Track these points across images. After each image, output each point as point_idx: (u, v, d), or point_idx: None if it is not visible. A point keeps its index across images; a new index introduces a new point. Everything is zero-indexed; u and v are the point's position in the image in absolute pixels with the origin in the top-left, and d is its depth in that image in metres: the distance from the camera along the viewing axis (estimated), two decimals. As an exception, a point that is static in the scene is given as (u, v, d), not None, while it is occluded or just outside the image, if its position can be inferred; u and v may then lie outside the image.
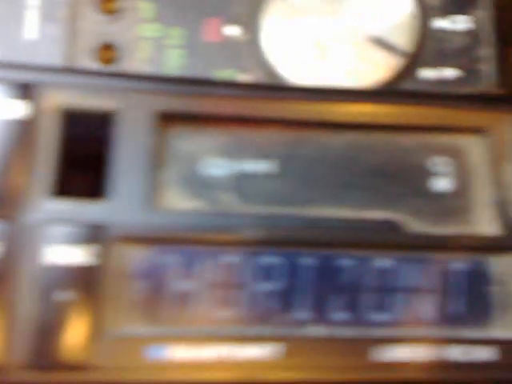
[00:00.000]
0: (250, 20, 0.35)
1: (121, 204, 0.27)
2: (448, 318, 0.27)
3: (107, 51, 0.35)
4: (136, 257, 0.27)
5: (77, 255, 0.26)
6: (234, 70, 0.34)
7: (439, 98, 0.31)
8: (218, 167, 0.28)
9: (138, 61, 0.35)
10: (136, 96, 0.28)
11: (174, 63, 0.35)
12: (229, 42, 0.35)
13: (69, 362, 0.25)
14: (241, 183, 0.28)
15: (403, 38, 0.34)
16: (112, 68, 0.35)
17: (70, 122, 0.28)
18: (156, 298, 0.26)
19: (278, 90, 0.30)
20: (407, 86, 0.34)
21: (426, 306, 0.27)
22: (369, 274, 0.27)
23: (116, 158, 0.27)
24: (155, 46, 0.35)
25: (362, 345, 0.27)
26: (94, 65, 0.35)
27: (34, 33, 0.35)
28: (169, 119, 0.28)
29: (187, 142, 0.29)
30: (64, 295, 0.25)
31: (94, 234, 0.26)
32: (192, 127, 0.29)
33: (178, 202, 0.28)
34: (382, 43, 0.34)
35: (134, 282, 0.26)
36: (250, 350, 0.26)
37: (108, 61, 0.35)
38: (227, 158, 0.29)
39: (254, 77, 0.34)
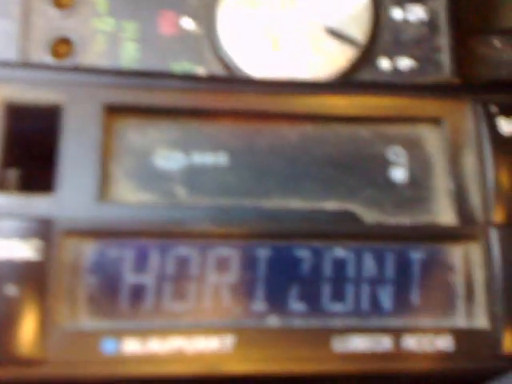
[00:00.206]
0: (205, 12, 0.34)
1: (68, 197, 0.26)
2: (407, 308, 0.27)
3: (62, 45, 0.35)
4: (85, 251, 0.26)
5: (23, 250, 0.25)
6: (190, 62, 0.34)
7: (395, 88, 0.30)
8: (170, 160, 0.28)
9: (93, 55, 0.34)
10: (84, 89, 0.27)
11: (129, 57, 0.34)
12: (185, 35, 0.34)
13: (22, 356, 0.25)
14: (194, 176, 0.28)
15: (358, 29, 0.33)
16: (67, 62, 0.34)
17: (15, 116, 0.27)
18: (109, 292, 0.26)
19: (233, 82, 0.30)
20: (363, 76, 0.33)
21: (385, 296, 0.27)
22: (326, 264, 0.27)
23: (64, 151, 0.27)
24: (110, 40, 0.35)
25: (320, 335, 0.26)
26: (48, 59, 0.34)
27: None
28: (118, 112, 0.28)
29: (139, 135, 0.28)
30: (12, 290, 0.25)
31: (40, 229, 0.26)
32: (143, 120, 0.28)
33: (129, 195, 0.27)
34: (337, 34, 0.33)
35: (86, 277, 0.26)
36: (205, 342, 0.26)
37: (63, 55, 0.35)
38: (180, 150, 0.28)
39: (211, 69, 0.34)
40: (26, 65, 0.32)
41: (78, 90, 0.27)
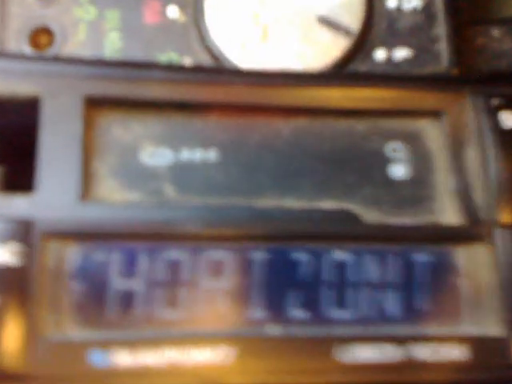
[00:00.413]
0: (192, 0, 0.32)
1: (49, 197, 0.25)
2: (414, 315, 0.26)
3: (42, 35, 0.33)
4: (69, 255, 0.24)
5: (1, 254, 0.23)
6: (176, 52, 0.32)
7: (392, 79, 0.29)
8: (157, 156, 0.26)
9: (74, 45, 0.33)
10: (63, 80, 0.26)
11: (112, 47, 0.32)
12: (170, 24, 0.33)
13: (3, 371, 0.23)
14: (182, 173, 0.26)
15: (352, 18, 0.32)
16: (48, 53, 0.32)
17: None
18: (96, 299, 0.24)
19: (221, 73, 0.28)
20: (358, 67, 0.32)
21: (390, 302, 0.26)
22: (326, 268, 0.25)
23: (43, 147, 0.25)
24: (92, 29, 0.33)
25: (322, 345, 0.25)
26: (27, 50, 0.32)
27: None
28: (100, 105, 0.26)
29: (123, 130, 0.26)
30: (-10, 299, 0.23)
31: (19, 231, 0.24)
32: (127, 114, 0.27)
33: (114, 194, 0.26)
34: (329, 23, 0.32)
35: (70, 283, 0.24)
36: (199, 353, 0.24)
37: (43, 46, 0.33)
38: (167, 146, 0.27)
39: (198, 60, 0.32)
40: (1, 55, 0.30)
41: (57, 81, 0.26)
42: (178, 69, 0.28)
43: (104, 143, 0.26)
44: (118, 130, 0.26)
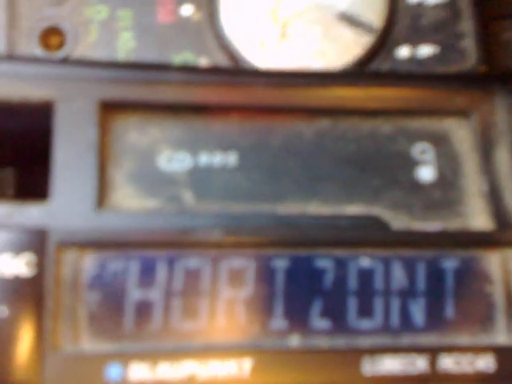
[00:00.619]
0: (207, -2, 0.32)
1: (64, 205, 0.24)
2: (443, 324, 0.25)
3: (53, 36, 0.32)
4: (85, 265, 0.24)
5: (14, 265, 0.23)
6: (191, 53, 0.31)
7: (417, 78, 0.28)
8: (175, 161, 0.25)
9: (86, 46, 0.32)
10: (77, 84, 0.25)
11: (125, 47, 0.31)
12: (185, 23, 0.32)
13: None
14: (201, 178, 0.25)
15: (374, 14, 0.31)
16: (59, 54, 0.31)
17: (1, 114, 0.24)
18: (112, 310, 0.23)
19: (240, 74, 0.27)
20: (380, 66, 0.31)
21: (418, 311, 0.25)
22: (351, 276, 0.24)
23: (57, 154, 0.24)
24: (104, 30, 0.32)
25: (347, 356, 0.24)
26: (37, 51, 0.31)
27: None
28: (115, 109, 0.25)
29: (139, 134, 0.26)
30: (3, 311, 0.22)
31: (33, 241, 0.23)
32: (144, 117, 0.26)
33: (131, 201, 0.25)
34: (350, 20, 0.31)
35: (86, 294, 0.23)
36: (220, 366, 0.23)
37: (54, 47, 0.32)
38: (185, 150, 0.26)
39: (214, 60, 0.31)
40: (13, 58, 0.29)
41: (71, 85, 0.25)
42: (195, 70, 0.27)
43: (120, 149, 0.25)
44: (134, 134, 0.25)
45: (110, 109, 0.25)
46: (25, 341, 0.22)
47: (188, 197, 0.25)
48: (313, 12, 0.31)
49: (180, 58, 0.31)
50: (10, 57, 0.30)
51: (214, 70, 0.28)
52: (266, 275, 0.24)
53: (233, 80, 0.26)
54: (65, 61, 0.28)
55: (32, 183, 0.25)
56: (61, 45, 0.32)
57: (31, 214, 0.23)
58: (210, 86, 0.26)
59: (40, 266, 0.23)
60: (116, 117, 0.25)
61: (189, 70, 0.27)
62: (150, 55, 0.31)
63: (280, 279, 0.24)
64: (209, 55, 0.31)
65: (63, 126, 0.24)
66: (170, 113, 0.26)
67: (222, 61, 0.31)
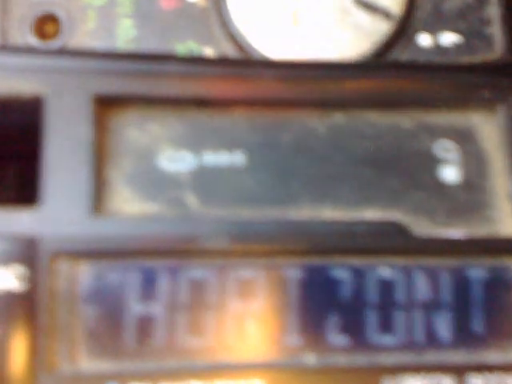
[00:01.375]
0: (212, -18, 0.29)
1: (57, 211, 0.22)
2: (470, 339, 0.23)
3: (48, 24, 0.30)
4: (80, 276, 0.22)
5: (4, 279, 0.21)
6: (195, 41, 0.29)
7: (439, 68, 0.26)
8: (177, 161, 0.23)
9: (83, 34, 0.30)
10: (70, 77, 0.23)
11: (124, 35, 0.29)
12: (189, 9, 0.30)
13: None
14: (205, 180, 0.23)
15: (393, -1, 0.29)
16: (54, 43, 0.30)
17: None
18: (111, 325, 0.22)
19: (248, 65, 0.25)
20: (399, 55, 0.29)
21: (443, 325, 0.23)
22: (370, 287, 0.23)
23: (49, 154, 0.22)
24: (102, 16, 0.30)
25: (367, 375, 0.22)
26: (32, 40, 0.30)
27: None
28: (112, 104, 0.23)
29: (138, 132, 0.24)
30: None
31: (23, 251, 0.21)
32: (143, 113, 0.24)
33: (129, 205, 0.23)
34: (367, 5, 0.29)
35: (82, 308, 0.22)
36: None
37: (49, 35, 0.30)
38: (188, 149, 0.24)
39: (220, 50, 0.29)
40: (3, 48, 0.27)
41: (63, 77, 0.23)
42: (200, 61, 0.25)
43: (117, 147, 0.23)
44: (133, 131, 0.23)
45: (106, 104, 0.23)
46: (17, 361, 0.21)
47: (192, 200, 0.23)
48: (326, -3, 0.29)
49: (183, 47, 0.29)
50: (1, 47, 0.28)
51: (220, 61, 0.25)
52: (277, 287, 0.22)
53: (240, 72, 0.24)
54: (57, 51, 0.26)
55: (20, 190, 0.23)
56: (56, 33, 0.30)
57: (21, 220, 0.21)
58: (216, 79, 0.24)
59: (32, 278, 0.21)
60: (113, 113, 0.23)
61: (193, 60, 0.25)
62: (152, 44, 0.29)
63: (293, 291, 0.22)
64: (214, 44, 0.29)
65: (55, 123, 0.22)
66: (171, 108, 0.24)
67: (229, 51, 0.29)
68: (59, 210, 0.22)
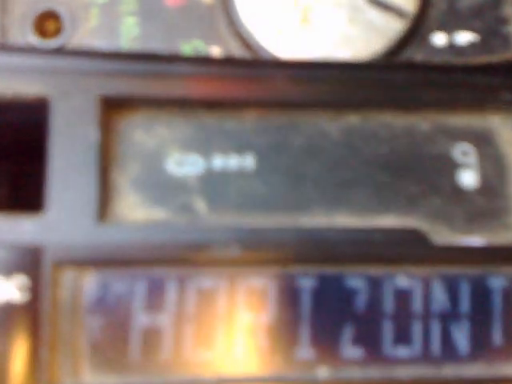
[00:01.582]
0: (219, -21, 0.28)
1: (61, 218, 0.21)
2: (490, 352, 0.22)
3: (49, 22, 0.29)
4: (85, 286, 0.21)
5: (5, 290, 0.20)
6: (202, 40, 0.28)
7: (455, 69, 0.25)
8: (185, 165, 0.23)
9: (86, 32, 0.29)
10: (75, 78, 0.22)
11: (129, 34, 0.29)
12: (195, 7, 0.29)
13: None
14: (214, 184, 0.22)
15: (407, -4, 0.28)
16: (55, 42, 0.29)
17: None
18: (117, 337, 0.21)
19: (257, 65, 0.24)
20: (413, 54, 0.28)
21: (463, 337, 0.22)
22: (387, 297, 0.22)
23: (53, 158, 0.21)
24: (105, 14, 0.29)
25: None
26: (32, 39, 0.29)
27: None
28: (118, 106, 0.22)
29: (146, 135, 0.23)
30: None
31: (25, 260, 0.20)
32: (150, 115, 0.23)
33: (136, 211, 0.22)
34: (380, 3, 0.28)
35: (87, 319, 0.21)
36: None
37: (51, 33, 0.29)
38: (197, 152, 0.23)
39: (228, 49, 0.28)
40: (4, 48, 0.26)
41: (68, 78, 0.22)
42: (208, 61, 0.24)
43: (124, 151, 0.22)
44: (141, 134, 0.23)
45: (112, 106, 0.22)
46: (18, 374, 0.20)
47: (200, 206, 0.22)
48: (337, -6, 0.28)
49: (189, 46, 0.28)
50: (1, 47, 0.27)
51: (229, 61, 0.25)
52: (289, 297, 0.22)
53: (250, 72, 0.23)
54: (60, 50, 0.25)
55: (23, 196, 0.22)
56: (57, 31, 0.29)
57: (23, 228, 0.21)
58: (224, 80, 0.23)
59: (34, 289, 0.20)
60: (120, 115, 0.22)
61: (201, 60, 0.24)
62: (156, 43, 0.28)
63: (306, 301, 0.22)
64: (221, 44, 0.28)
65: (60, 125, 0.22)
66: (179, 110, 0.23)
67: (237, 50, 0.28)
68: (64, 217, 0.21)
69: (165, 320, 0.21)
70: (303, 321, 0.21)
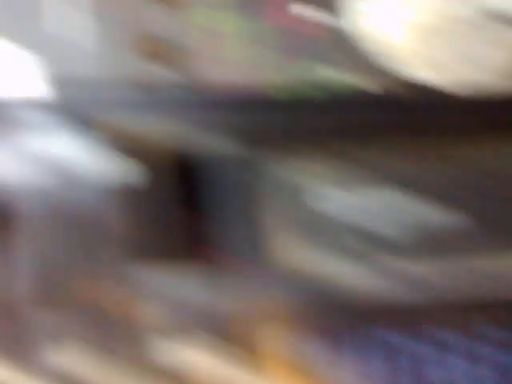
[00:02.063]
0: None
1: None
2: None
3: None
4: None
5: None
6: (336, 69, 0.27)
7: None
8: (332, 200, 0.21)
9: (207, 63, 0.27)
10: (212, 115, 0.21)
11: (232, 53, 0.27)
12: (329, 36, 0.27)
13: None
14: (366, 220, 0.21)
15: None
16: (178, 72, 0.27)
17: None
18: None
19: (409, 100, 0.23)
20: None
21: None
22: None
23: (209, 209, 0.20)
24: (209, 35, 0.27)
25: None
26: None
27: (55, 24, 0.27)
28: (263, 143, 0.21)
29: (288, 171, 0.22)
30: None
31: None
32: (295, 153, 0.21)
33: (295, 253, 0.21)
34: (503, 18, 0.26)
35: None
36: None
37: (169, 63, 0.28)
38: (344, 187, 0.22)
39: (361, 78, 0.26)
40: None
41: (205, 115, 0.21)
42: (357, 95, 0.23)
43: (272, 191, 0.21)
44: (284, 171, 0.21)
45: (257, 143, 0.21)
46: None
47: (361, 245, 0.21)
48: (458, 12, 0.26)
49: (325, 74, 0.27)
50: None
51: (387, 97, 0.23)
52: None
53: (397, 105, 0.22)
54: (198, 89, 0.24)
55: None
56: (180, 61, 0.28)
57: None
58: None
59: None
60: (265, 152, 0.21)
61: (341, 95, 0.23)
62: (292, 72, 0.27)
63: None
64: (355, 73, 0.27)
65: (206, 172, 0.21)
66: (325, 144, 0.22)
67: (371, 79, 0.26)
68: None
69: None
70: None
